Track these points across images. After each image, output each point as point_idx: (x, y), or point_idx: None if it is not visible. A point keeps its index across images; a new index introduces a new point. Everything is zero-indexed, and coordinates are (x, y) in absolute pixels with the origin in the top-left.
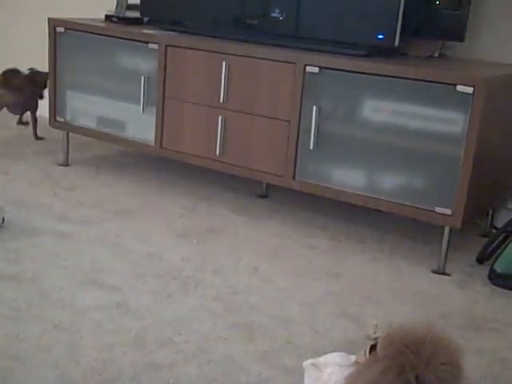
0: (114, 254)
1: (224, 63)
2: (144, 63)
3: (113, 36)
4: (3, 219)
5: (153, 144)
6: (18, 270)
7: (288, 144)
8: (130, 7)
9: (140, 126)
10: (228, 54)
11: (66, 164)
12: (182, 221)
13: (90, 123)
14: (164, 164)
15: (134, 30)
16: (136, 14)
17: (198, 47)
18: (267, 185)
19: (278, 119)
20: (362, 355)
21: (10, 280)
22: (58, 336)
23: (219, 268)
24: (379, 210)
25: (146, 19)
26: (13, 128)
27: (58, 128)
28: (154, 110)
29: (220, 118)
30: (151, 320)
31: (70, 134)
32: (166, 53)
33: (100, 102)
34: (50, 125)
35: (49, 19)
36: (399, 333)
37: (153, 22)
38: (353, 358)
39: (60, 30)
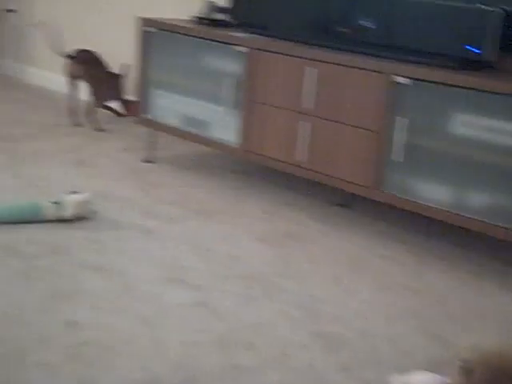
0: (196, 253)
1: (312, 70)
2: (232, 66)
3: (202, 37)
4: (93, 211)
5: (237, 146)
6: (103, 262)
7: (375, 155)
8: (220, 10)
9: (225, 127)
10: (316, 60)
11: (151, 161)
12: (262, 224)
13: (176, 122)
14: (245, 166)
15: (224, 33)
16: (225, 17)
17: (286, 52)
18: (348, 194)
19: (365, 129)
20: (457, 378)
21: (95, 271)
22: (144, 329)
23: (300, 275)
24: (464, 228)
25: (234, 22)
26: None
27: (144, 125)
28: (240, 112)
29: (304, 124)
30: (234, 322)
31: (156, 132)
32: (254, 56)
33: (186, 101)
34: (137, 122)
35: (139, 19)
36: (495, 357)
37: (241, 26)
38: (441, 378)
39: (149, 29)
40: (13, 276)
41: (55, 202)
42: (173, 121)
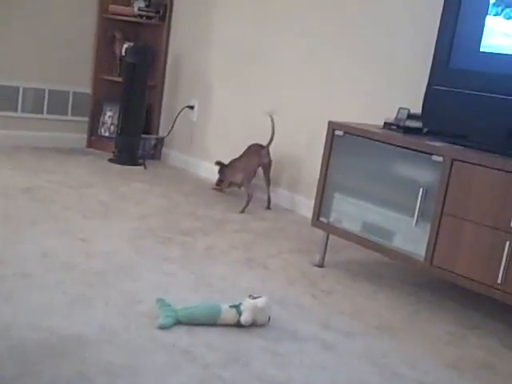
0: (381, 374)
1: None
2: (424, 175)
3: (393, 144)
4: (269, 318)
5: (422, 259)
6: (285, 378)
7: None
8: (410, 116)
9: (410, 238)
10: None
11: (322, 265)
12: (450, 349)
13: (355, 228)
14: (426, 281)
15: (417, 141)
16: (416, 124)
17: (490, 165)
18: None
19: None
20: None
21: None
22: None
23: None
24: None
25: (425, 130)
26: (268, 219)
27: (319, 228)
28: (428, 224)
29: (508, 243)
30: None
31: (330, 236)
32: (451, 166)
33: (368, 208)
34: (312, 224)
35: (329, 122)
36: None
37: (433, 134)
38: None
39: (339, 133)
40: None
41: (235, 306)
42: (352, 226)
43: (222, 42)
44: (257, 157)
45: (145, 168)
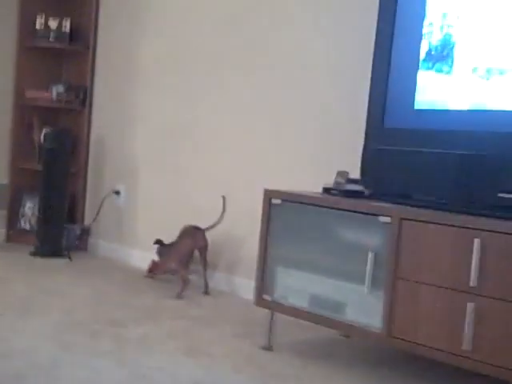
0: None
1: (476, 241)
2: (371, 238)
3: (336, 208)
4: None
5: (379, 331)
6: None
7: None
8: (350, 180)
9: (363, 309)
10: (482, 229)
11: (270, 348)
12: None
13: (302, 303)
14: (386, 356)
15: (361, 202)
16: (357, 188)
17: (441, 221)
18: None
19: None
20: None
21: None
22: None
23: None
24: None
25: (367, 193)
26: (207, 304)
27: (263, 307)
28: (382, 291)
29: (470, 305)
30: None
31: (275, 314)
32: (400, 227)
33: (315, 279)
34: (255, 303)
35: (265, 191)
36: None
37: (375, 196)
38: None
39: (276, 201)
40: None
41: None
42: (299, 302)
43: (147, 122)
44: (191, 240)
45: (70, 260)
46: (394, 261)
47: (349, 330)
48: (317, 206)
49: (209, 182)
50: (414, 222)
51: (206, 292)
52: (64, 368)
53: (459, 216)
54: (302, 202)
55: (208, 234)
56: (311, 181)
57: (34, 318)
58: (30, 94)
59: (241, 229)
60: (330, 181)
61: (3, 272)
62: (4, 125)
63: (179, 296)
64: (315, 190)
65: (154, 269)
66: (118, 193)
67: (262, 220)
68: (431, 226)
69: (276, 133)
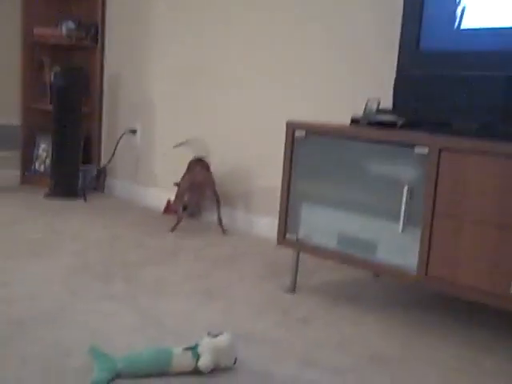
0: None
1: None
2: (405, 172)
3: (366, 140)
4: (235, 359)
5: (414, 272)
6: None
7: None
8: (381, 111)
9: (397, 248)
10: None
11: (294, 290)
12: (463, 380)
13: (329, 242)
14: (420, 298)
15: (394, 133)
16: (388, 118)
17: (486, 150)
18: None
19: None
20: None
21: None
22: None
23: None
24: None
25: (400, 123)
26: (224, 244)
27: (287, 246)
28: (418, 229)
29: None
30: None
31: (301, 254)
32: (438, 158)
33: (344, 217)
34: (278, 243)
35: (287, 123)
36: None
37: (409, 126)
38: None
39: (300, 134)
40: None
41: (190, 348)
42: (326, 241)
43: (162, 59)
44: (189, 174)
45: (85, 201)
46: (433, 196)
47: (380, 271)
48: (344, 138)
49: (225, 119)
50: (454, 154)
51: (223, 231)
52: (70, 313)
53: (506, 144)
54: (328, 134)
55: (223, 170)
56: (338, 112)
57: (43, 260)
58: (39, 31)
59: (255, 162)
60: (359, 111)
61: (16, 214)
62: (14, 64)
63: (173, 229)
64: (343, 122)
65: (168, 209)
66: (134, 132)
67: (284, 154)
68: (474, 156)
69: (299, 60)
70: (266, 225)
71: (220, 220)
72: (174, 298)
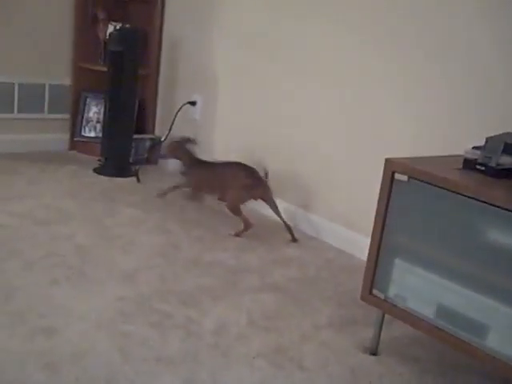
0: None
1: None
2: None
3: (486, 202)
4: None
5: None
6: None
7: None
8: (508, 149)
9: (508, 334)
10: None
11: (375, 353)
12: None
13: (425, 311)
14: None
15: None
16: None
17: None
18: None
19: None
20: None
21: None
22: None
23: None
24: None
25: None
26: (294, 260)
27: (373, 305)
28: None
29: None
30: None
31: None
32: None
33: (446, 285)
34: (361, 298)
35: (386, 161)
36: None
37: None
38: None
39: (401, 177)
40: None
41: None
42: (420, 308)
43: (230, 23)
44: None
45: (138, 181)
46: None
47: (489, 362)
48: (457, 193)
49: (288, 93)
50: None
51: (293, 239)
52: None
53: None
54: (436, 185)
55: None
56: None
57: (91, 289)
58: None
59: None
60: (473, 149)
61: (63, 200)
62: (66, 19)
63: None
64: (455, 155)
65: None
66: (193, 103)
67: (379, 197)
68: None
69: (392, 60)
70: (337, 233)
71: (287, 226)
72: (236, 364)
